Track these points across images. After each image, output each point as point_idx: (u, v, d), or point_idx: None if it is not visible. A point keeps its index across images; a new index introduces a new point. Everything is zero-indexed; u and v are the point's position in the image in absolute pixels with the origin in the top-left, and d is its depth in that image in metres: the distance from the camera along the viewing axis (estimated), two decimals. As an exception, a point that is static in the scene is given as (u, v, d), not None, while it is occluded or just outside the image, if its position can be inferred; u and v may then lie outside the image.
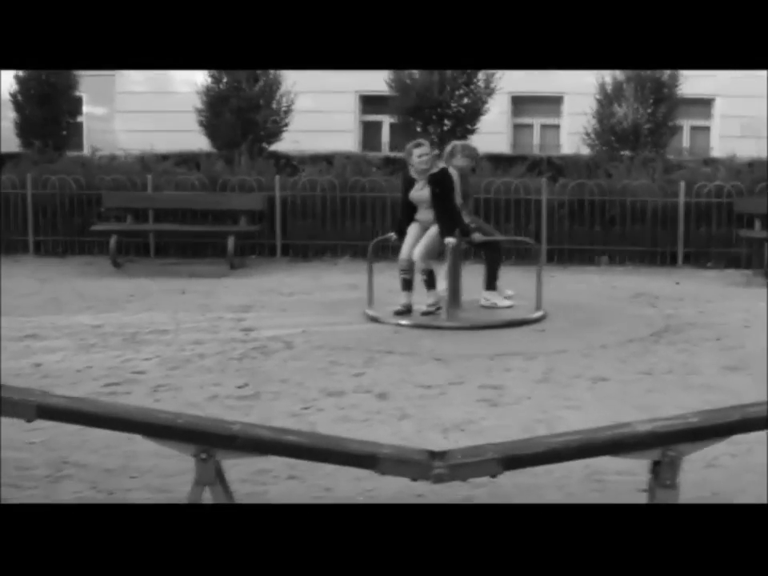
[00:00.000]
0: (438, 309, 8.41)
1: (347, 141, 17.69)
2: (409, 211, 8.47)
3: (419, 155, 8.20)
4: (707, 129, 18.31)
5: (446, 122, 14.87)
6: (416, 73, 14.93)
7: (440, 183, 8.19)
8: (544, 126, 18.91)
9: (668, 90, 14.86)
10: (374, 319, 8.38)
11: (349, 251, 12.64)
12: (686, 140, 17.95)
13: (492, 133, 15.66)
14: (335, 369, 6.68)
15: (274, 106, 15.21)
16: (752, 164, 13.09)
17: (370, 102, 18.54)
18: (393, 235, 8.80)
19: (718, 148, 16.61)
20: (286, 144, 15.17)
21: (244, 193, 12.59)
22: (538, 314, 8.50)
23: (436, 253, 8.41)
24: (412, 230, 8.41)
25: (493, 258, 9.03)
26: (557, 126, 18.71)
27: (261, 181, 12.71)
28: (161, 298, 9.69)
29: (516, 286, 9.15)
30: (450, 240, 8.13)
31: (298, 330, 7.97)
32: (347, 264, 12.29)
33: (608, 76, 15.00)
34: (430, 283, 8.36)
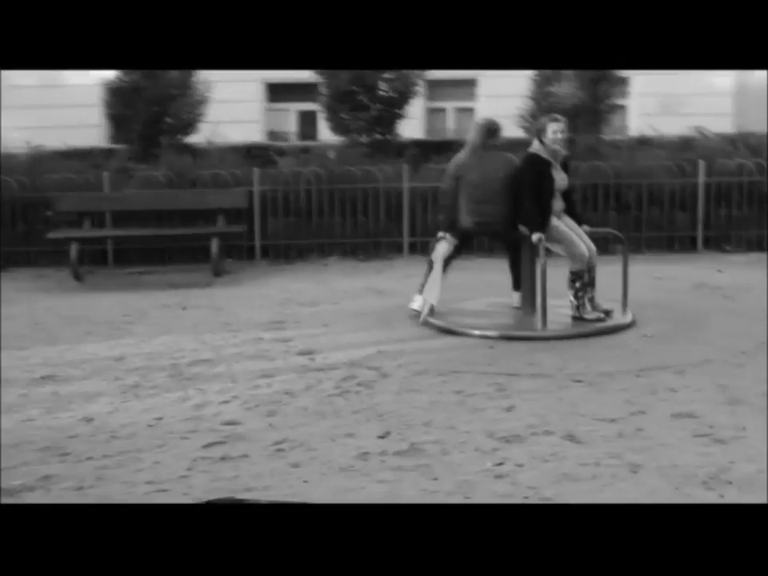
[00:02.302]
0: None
1: (254, 130, 16.21)
2: (548, 201, 6.99)
3: (555, 131, 6.90)
4: (622, 107, 17.60)
5: (377, 106, 13.55)
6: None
7: (569, 166, 7.26)
8: (459, 110, 18.00)
9: (607, 67, 13.95)
10: (448, 331, 7.05)
11: (337, 250, 11.20)
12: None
13: (409, 118, 14.34)
14: (472, 402, 5.31)
15: (189, 95, 13.59)
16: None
17: (276, 91, 17.23)
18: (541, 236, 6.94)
19: (635, 127, 15.74)
20: (201, 136, 13.50)
21: (222, 189, 10.90)
22: (628, 317, 7.32)
23: None
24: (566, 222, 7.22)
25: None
26: (471, 110, 17.72)
27: (236, 174, 11.12)
28: (162, 316, 8.07)
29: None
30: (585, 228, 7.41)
31: (368, 350, 6.54)
32: (338, 264, 10.87)
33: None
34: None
